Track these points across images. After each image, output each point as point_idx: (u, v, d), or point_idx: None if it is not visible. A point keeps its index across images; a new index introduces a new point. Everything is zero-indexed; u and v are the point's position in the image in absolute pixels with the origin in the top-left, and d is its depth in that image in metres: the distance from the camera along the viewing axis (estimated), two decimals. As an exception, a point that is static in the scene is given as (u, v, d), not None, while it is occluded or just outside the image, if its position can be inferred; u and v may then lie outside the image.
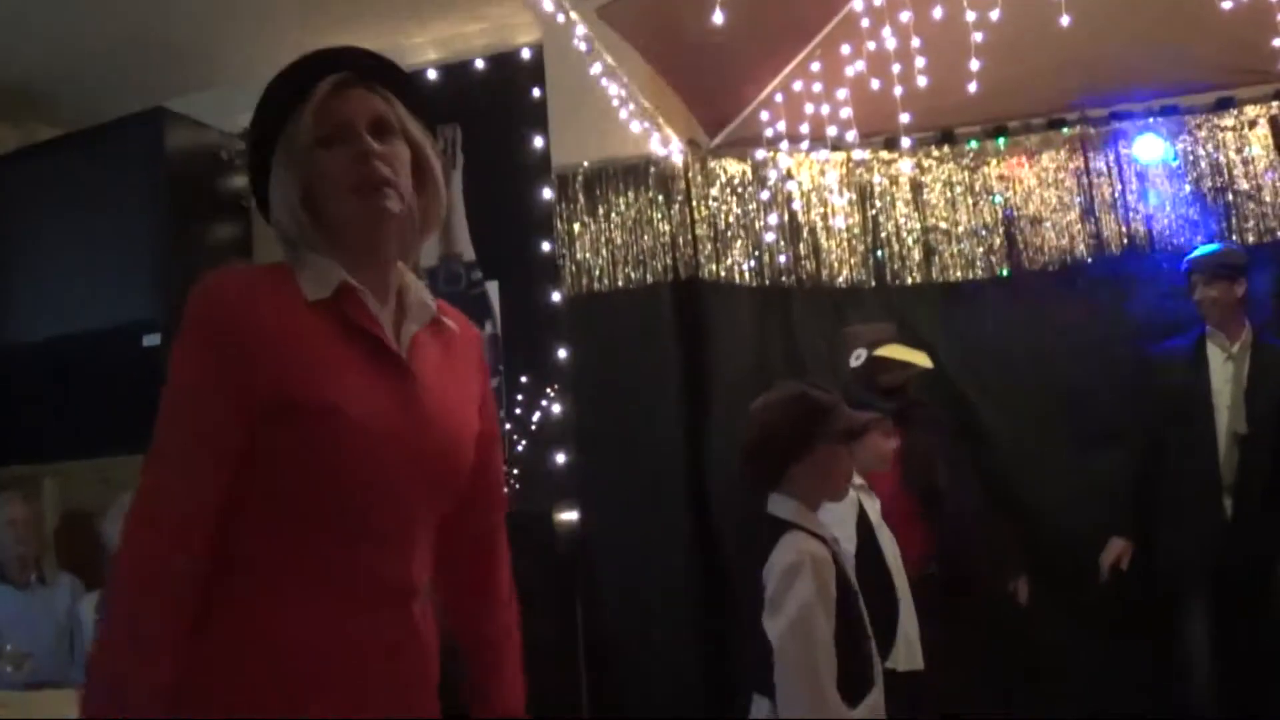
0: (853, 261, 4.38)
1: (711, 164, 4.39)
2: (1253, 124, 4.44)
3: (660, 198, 4.31)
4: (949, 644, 3.78)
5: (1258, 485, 3.83)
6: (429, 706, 1.52)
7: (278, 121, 1.47)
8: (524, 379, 4.37)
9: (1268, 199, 4.39)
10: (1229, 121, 4.43)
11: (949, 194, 4.36)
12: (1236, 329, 3.98)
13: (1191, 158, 4.38)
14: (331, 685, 1.36)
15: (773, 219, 4.34)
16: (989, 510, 4.00)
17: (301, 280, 1.42)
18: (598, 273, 4.33)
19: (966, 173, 4.36)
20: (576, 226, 4.37)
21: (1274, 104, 4.42)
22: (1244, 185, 4.38)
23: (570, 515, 4.25)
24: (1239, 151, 4.39)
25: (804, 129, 4.25)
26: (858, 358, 3.86)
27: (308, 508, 1.37)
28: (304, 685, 1.34)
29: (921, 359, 3.86)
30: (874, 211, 4.40)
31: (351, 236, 1.44)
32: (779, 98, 4.23)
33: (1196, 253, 4.10)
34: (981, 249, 4.34)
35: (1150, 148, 4.35)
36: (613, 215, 4.34)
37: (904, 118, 3.92)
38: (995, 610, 4.00)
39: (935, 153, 4.40)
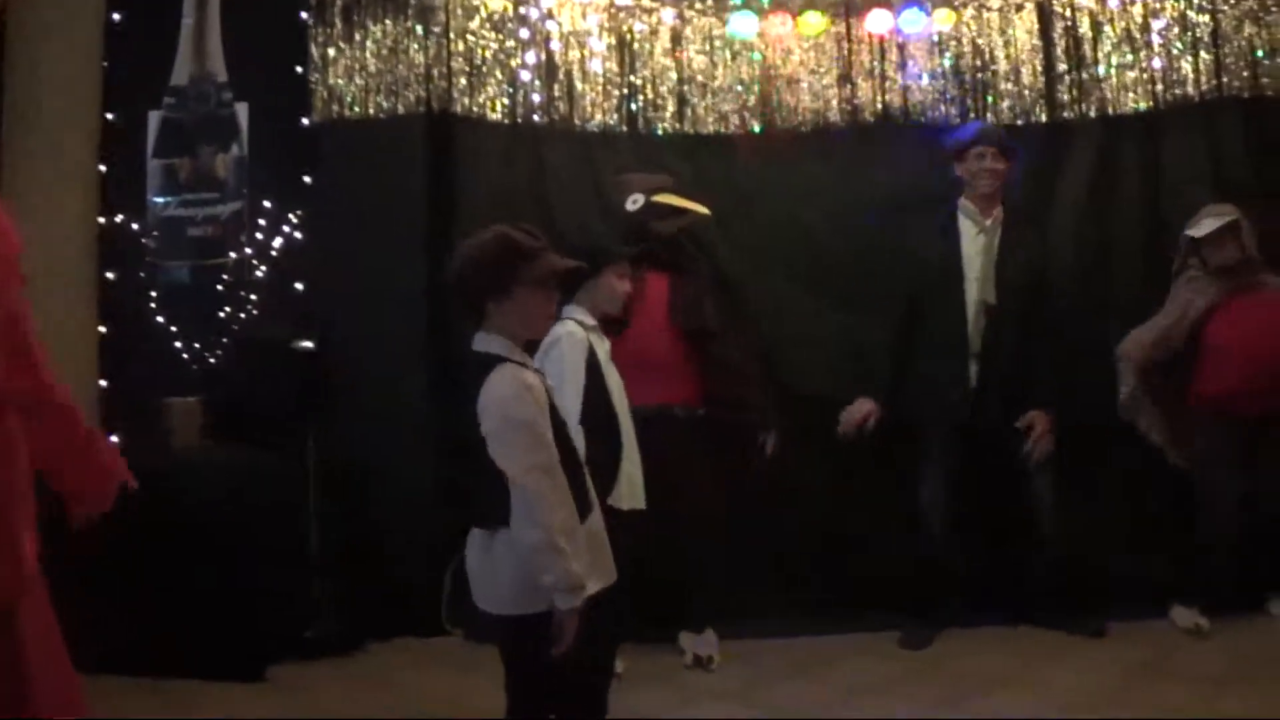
0: (606, 106, 4.63)
1: (473, -3, 4.54)
2: (1019, 8, 4.76)
3: (418, 28, 4.47)
4: (711, 483, 4.19)
5: (1003, 354, 4.25)
6: None
7: None
8: (267, 204, 4.56)
9: (1026, 81, 4.78)
10: (996, 3, 4.72)
11: (708, 47, 4.63)
12: (992, 205, 4.33)
13: (954, 35, 4.71)
14: None
15: (530, 58, 4.54)
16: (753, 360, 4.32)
17: None
18: (349, 100, 4.50)
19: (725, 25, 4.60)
20: (331, 52, 4.51)
21: (1044, -11, 4.74)
22: (1004, 67, 4.75)
23: (307, 343, 4.47)
24: (1003, 33, 4.74)
25: (568, -31, 4.53)
26: (634, 202, 4.09)
27: None
28: None
29: (698, 207, 4.12)
30: (631, 58, 4.64)
31: None
32: (545, -66, 4.49)
33: (980, 126, 4.43)
34: (736, 104, 4.66)
35: (913, 21, 4.70)
36: (369, 42, 4.50)
37: (669, -34, 4.24)
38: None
39: (698, 5, 4.62)
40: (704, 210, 4.16)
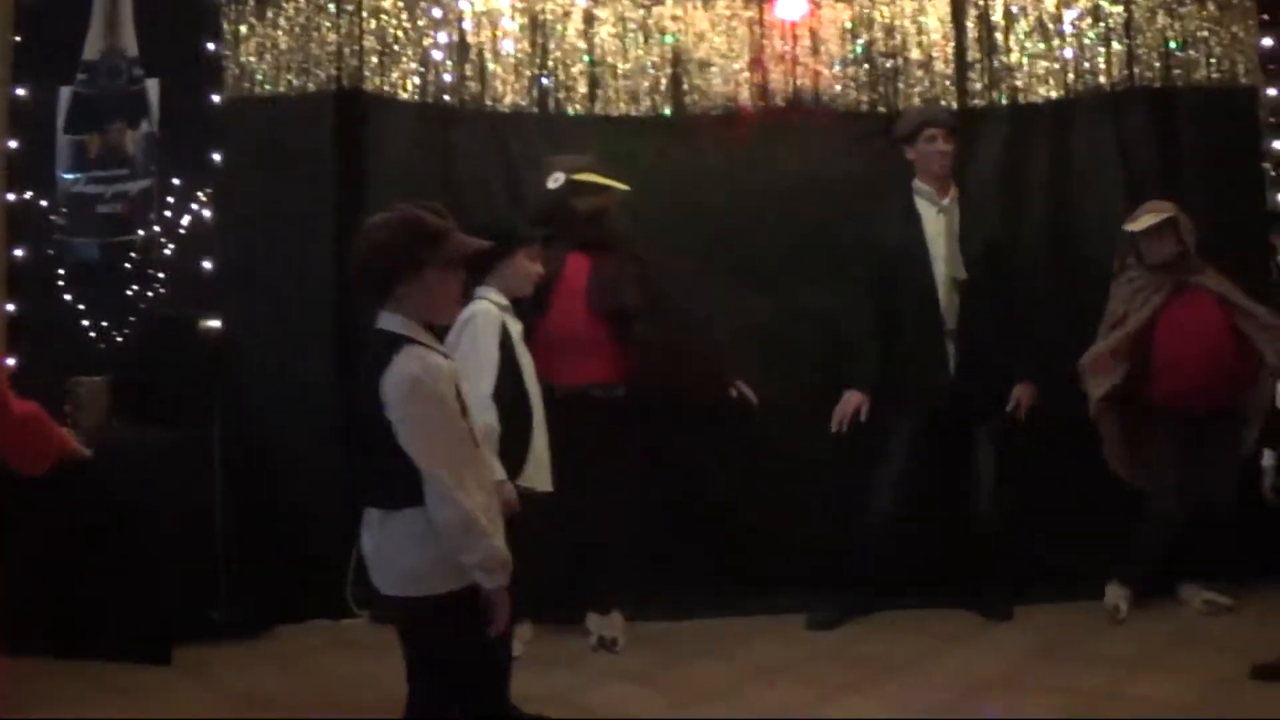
0: (517, 86, 4.65)
1: (384, -25, 4.53)
2: (933, -6, 4.86)
3: (330, 5, 4.48)
4: (627, 464, 4.21)
5: (979, 328, 4.28)
6: None
7: None
8: (177, 181, 4.55)
9: (938, 69, 4.82)
10: (910, -11, 4.78)
11: (620, 29, 4.65)
12: (947, 185, 4.37)
13: (867, 20, 4.77)
14: None
15: (442, 37, 4.55)
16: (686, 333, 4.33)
17: None
18: (260, 77, 4.49)
19: (640, 10, 4.65)
20: (243, 29, 4.50)
21: (957, -24, 4.77)
22: (916, 54, 4.80)
23: (214, 322, 4.45)
24: (915, 20, 4.79)
25: (482, -52, 4.53)
26: (555, 180, 4.10)
27: None
28: None
29: (617, 184, 4.12)
30: (543, 39, 4.66)
31: None
32: (458, -88, 4.48)
33: (930, 110, 4.50)
34: (647, 86, 4.68)
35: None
36: (281, 20, 4.49)
37: (581, -53, 4.25)
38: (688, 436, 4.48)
39: (611, -13, 4.63)
40: (624, 187, 4.15)
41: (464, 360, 3.17)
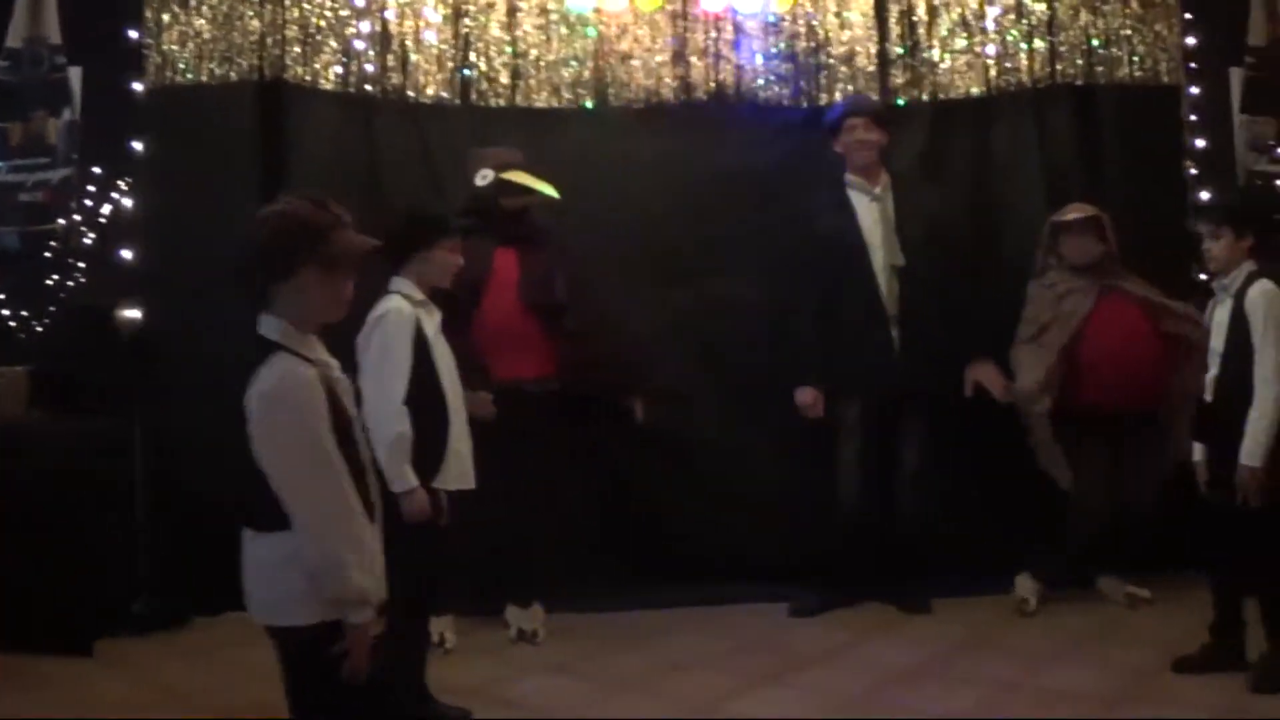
0: (440, 78, 4.64)
1: (307, -36, 4.52)
2: (857, -10, 4.88)
3: (253, -7, 4.45)
4: (559, 457, 4.23)
5: (921, 313, 4.32)
6: None
7: None
8: (97, 170, 4.55)
9: (860, 64, 4.84)
10: (833, -16, 4.77)
11: (543, 21, 4.66)
12: (876, 173, 4.42)
13: (790, 15, 4.78)
14: None
15: (365, 27, 4.55)
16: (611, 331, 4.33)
17: None
18: (183, 66, 4.47)
19: (562, 1, 4.66)
20: (166, 17, 4.47)
21: (879, -28, 4.80)
22: (838, 49, 4.84)
23: (135, 312, 4.45)
24: (838, 15, 4.83)
25: (405, -62, 4.52)
26: (484, 177, 4.10)
27: None
28: None
29: (546, 188, 4.12)
30: (466, 30, 4.66)
31: None
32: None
33: (851, 100, 4.54)
34: (569, 79, 4.70)
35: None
36: (203, 8, 4.47)
37: (502, -63, 4.25)
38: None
39: (533, -22, 4.63)
40: (553, 193, 4.15)
41: (375, 366, 3.15)
